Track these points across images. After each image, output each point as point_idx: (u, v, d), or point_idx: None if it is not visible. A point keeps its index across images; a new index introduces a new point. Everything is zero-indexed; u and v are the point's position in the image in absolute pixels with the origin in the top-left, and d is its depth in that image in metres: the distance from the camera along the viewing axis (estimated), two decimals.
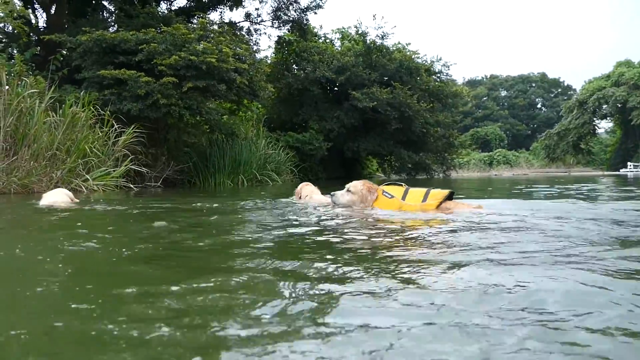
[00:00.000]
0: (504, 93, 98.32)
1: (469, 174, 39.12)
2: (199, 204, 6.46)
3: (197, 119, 13.74)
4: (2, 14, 9.60)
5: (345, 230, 3.24)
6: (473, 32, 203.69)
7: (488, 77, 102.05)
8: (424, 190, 4.30)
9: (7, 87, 9.82)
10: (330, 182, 18.21)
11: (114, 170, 10.70)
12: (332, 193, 4.81)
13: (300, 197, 6.29)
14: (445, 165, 26.64)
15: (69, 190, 6.55)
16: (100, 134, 11.25)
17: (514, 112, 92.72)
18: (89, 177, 9.90)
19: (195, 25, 14.12)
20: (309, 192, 6.26)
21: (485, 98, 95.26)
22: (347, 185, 4.71)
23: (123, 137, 11.61)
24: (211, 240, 2.99)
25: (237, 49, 14.52)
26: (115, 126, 11.47)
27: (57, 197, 5.82)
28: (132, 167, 11.36)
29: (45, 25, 18.03)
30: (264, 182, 15.29)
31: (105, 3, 20.96)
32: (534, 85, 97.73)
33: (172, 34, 13.17)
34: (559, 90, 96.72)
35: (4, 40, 15.72)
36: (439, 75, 26.00)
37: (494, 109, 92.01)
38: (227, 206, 6.04)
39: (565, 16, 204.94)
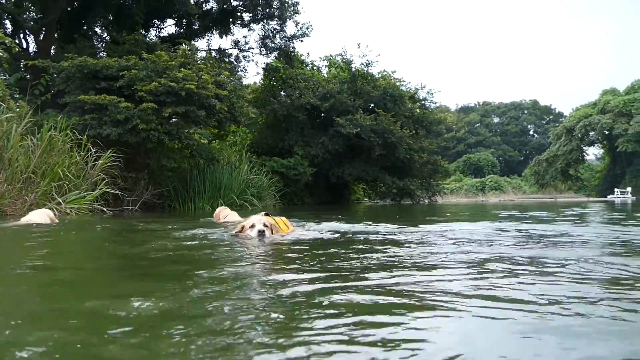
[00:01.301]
0: (496, 120, 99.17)
1: (457, 200, 39.36)
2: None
3: (176, 144, 13.94)
4: None
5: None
6: (466, 60, 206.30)
7: (481, 103, 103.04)
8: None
9: None
10: (316, 208, 18.37)
11: (88, 194, 10.84)
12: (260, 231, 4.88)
13: (219, 219, 7.81)
14: (430, 191, 26.85)
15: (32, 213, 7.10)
16: (78, 158, 11.44)
17: (507, 139, 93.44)
18: (61, 201, 10.04)
19: (177, 53, 14.37)
20: (227, 213, 7.93)
21: (477, 124, 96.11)
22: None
23: (100, 161, 11.80)
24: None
25: (219, 75, 14.83)
26: (92, 150, 11.65)
27: (37, 217, 6.74)
28: (107, 190, 11.49)
29: (35, 50, 18.41)
30: (243, 207, 15.44)
31: (97, 29, 21.45)
32: (525, 112, 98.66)
33: (154, 61, 13.48)
34: (551, 117, 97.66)
35: None
36: (423, 102, 26.42)
37: (486, 135, 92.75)
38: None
39: (557, 44, 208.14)
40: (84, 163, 11.58)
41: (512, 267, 2.80)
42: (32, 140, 10.62)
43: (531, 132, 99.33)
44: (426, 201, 26.53)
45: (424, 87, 26.22)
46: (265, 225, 4.85)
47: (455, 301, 1.87)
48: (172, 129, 13.29)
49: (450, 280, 2.36)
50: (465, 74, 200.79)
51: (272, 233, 4.93)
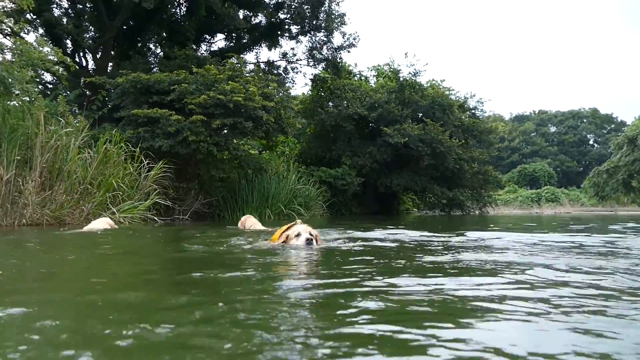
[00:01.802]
0: (553, 129, 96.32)
1: (510, 211, 38.29)
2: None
3: (225, 155, 14.27)
4: (43, 61, 10.38)
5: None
6: (520, 67, 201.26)
7: (536, 112, 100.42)
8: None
9: (51, 127, 10.64)
10: (363, 218, 18.36)
11: (141, 204, 11.25)
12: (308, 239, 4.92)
13: (244, 227, 8.42)
14: (481, 202, 26.28)
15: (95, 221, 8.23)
16: (131, 169, 11.91)
17: (564, 149, 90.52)
18: (115, 210, 10.47)
19: (225, 66, 14.78)
20: (252, 222, 8.59)
21: (533, 134, 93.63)
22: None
23: (152, 172, 12.24)
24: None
25: (267, 87, 15.12)
26: (145, 162, 12.10)
27: (100, 224, 7.90)
28: (158, 200, 11.88)
29: (93, 67, 19.30)
30: (290, 217, 15.61)
31: (151, 46, 22.30)
32: (585, 121, 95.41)
33: (203, 75, 13.91)
34: (612, 126, 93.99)
35: (51, 83, 16.94)
36: (473, 111, 25.99)
37: (542, 145, 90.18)
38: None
39: (619, 50, 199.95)
40: (137, 174, 12.04)
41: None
42: (89, 153, 11.15)
43: (591, 142, 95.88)
44: (477, 212, 25.99)
45: (474, 95, 25.94)
46: (310, 234, 4.90)
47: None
48: (220, 140, 13.63)
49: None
50: (519, 82, 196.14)
51: (317, 242, 4.97)
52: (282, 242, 4.99)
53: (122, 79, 13.78)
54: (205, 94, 13.34)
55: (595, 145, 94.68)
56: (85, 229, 7.70)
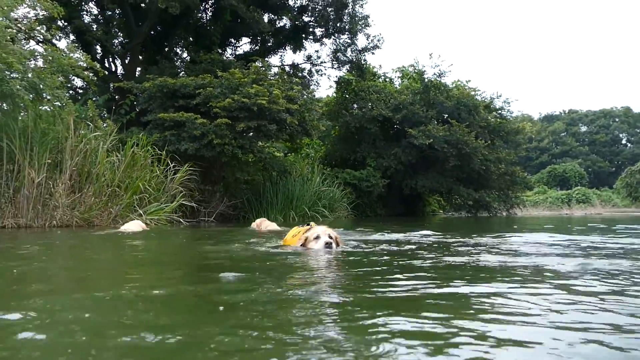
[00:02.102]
0: (584, 128, 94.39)
1: (538, 213, 37.68)
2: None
3: (249, 158, 14.43)
4: (73, 67, 10.68)
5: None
6: (549, 67, 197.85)
7: (566, 111, 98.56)
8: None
9: (81, 131, 10.95)
10: (389, 219, 18.33)
11: (166, 206, 11.47)
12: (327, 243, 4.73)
13: (260, 228, 8.92)
14: (508, 203, 25.95)
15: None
16: (158, 172, 12.15)
17: (595, 148, 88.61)
18: (142, 212, 10.70)
19: (250, 70, 14.96)
20: (268, 224, 9.12)
21: (563, 134, 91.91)
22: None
23: (178, 175, 12.47)
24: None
25: (291, 90, 15.24)
26: (171, 165, 12.33)
27: (133, 226, 8.55)
28: (183, 202, 12.08)
29: (122, 72, 19.72)
30: (314, 219, 15.69)
31: (178, 50, 22.68)
32: (617, 120, 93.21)
33: (228, 79, 14.10)
34: None
35: (82, 88, 17.39)
36: (499, 111, 25.69)
37: (572, 145, 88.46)
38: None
39: None
40: (164, 177, 12.28)
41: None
42: (117, 156, 11.42)
43: (623, 142, 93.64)
44: (504, 214, 25.68)
45: (500, 96, 25.56)
46: (330, 237, 4.71)
47: None
48: (245, 143, 13.79)
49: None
50: (549, 82, 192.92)
51: (337, 245, 4.77)
52: (301, 245, 4.80)
53: (149, 84, 14.06)
54: (229, 97, 13.52)
55: (628, 145, 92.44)
56: (121, 229, 8.44)
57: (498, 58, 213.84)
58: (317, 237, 4.72)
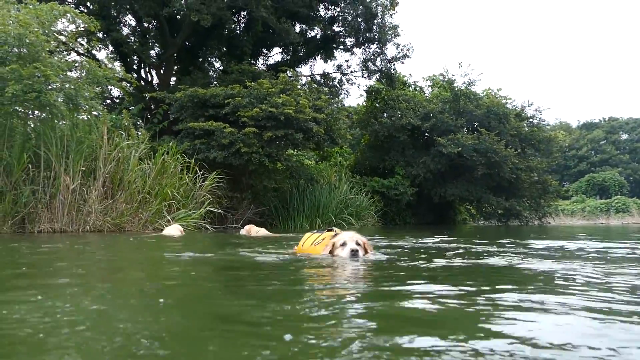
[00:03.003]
0: (624, 136, 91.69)
1: (573, 222, 36.92)
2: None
3: (276, 166, 14.73)
4: (108, 79, 11.22)
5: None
6: (588, 73, 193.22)
7: (606, 119, 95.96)
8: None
9: (115, 139, 11.46)
10: (418, 227, 18.34)
11: (194, 212, 11.86)
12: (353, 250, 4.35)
13: (250, 233, 9.43)
14: (540, 212, 25.60)
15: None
16: (187, 179, 12.57)
17: (637, 157, 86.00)
18: (170, 219, 11.10)
19: (278, 80, 15.31)
20: (258, 229, 9.66)
21: (602, 142, 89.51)
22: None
23: (206, 182, 12.87)
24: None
25: (318, 99, 15.51)
26: (199, 173, 12.74)
27: (172, 231, 9.33)
28: (210, 209, 12.46)
29: (157, 82, 20.38)
30: (340, 226, 15.88)
31: (213, 60, 23.28)
32: None
33: (256, 89, 14.47)
34: None
35: (118, 98, 18.09)
36: (531, 119, 25.40)
37: (612, 153, 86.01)
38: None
39: None
40: (192, 184, 12.69)
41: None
42: (148, 164, 11.87)
43: None
44: (536, 222, 25.33)
45: (532, 104, 25.27)
46: (357, 244, 4.36)
47: None
48: (272, 152, 14.12)
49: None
50: (588, 89, 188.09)
51: (365, 252, 4.42)
52: (329, 253, 4.43)
53: (180, 94, 14.55)
54: (257, 107, 13.88)
55: None
56: (164, 232, 9.47)
57: (536, 66, 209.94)
58: (344, 244, 4.36)
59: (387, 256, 4.67)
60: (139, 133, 13.84)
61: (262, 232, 9.71)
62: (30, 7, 10.20)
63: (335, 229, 4.91)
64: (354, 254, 4.25)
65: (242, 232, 10.03)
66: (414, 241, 7.61)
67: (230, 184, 14.51)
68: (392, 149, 23.40)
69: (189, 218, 11.62)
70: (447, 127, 22.11)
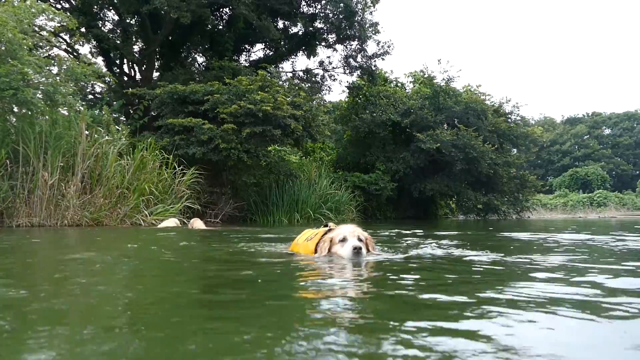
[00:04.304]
0: (607, 131, 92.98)
1: (552, 216, 37.52)
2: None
3: (254, 161, 14.96)
4: (86, 76, 11.39)
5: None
6: (572, 69, 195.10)
7: (590, 114, 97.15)
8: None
9: (95, 135, 11.66)
10: (396, 222, 18.68)
11: (172, 207, 12.11)
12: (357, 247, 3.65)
13: (192, 227, 10.20)
14: (518, 207, 26.11)
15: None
16: (166, 174, 12.81)
17: (619, 151, 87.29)
18: (147, 213, 11.34)
19: (256, 77, 15.54)
20: (199, 224, 10.48)
21: (586, 136, 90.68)
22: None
23: (185, 178, 13.11)
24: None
25: (297, 96, 15.77)
26: (177, 168, 12.99)
27: (171, 223, 10.46)
28: (187, 204, 12.72)
29: (139, 79, 20.51)
30: (318, 221, 16.19)
31: (197, 56, 23.45)
32: None
33: (235, 86, 14.71)
34: None
35: (100, 94, 18.24)
36: (509, 116, 25.88)
37: (595, 147, 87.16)
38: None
39: None
40: (171, 180, 12.92)
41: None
42: (126, 159, 12.08)
43: None
44: (514, 217, 25.83)
45: (509, 100, 25.72)
46: (359, 240, 3.73)
47: None
48: (250, 148, 14.37)
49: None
50: (572, 84, 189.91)
51: (368, 250, 3.83)
52: (327, 252, 3.76)
53: (159, 90, 14.74)
54: (236, 103, 14.12)
55: None
56: (160, 226, 10.47)
57: (521, 62, 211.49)
58: (344, 240, 3.69)
59: (393, 255, 4.02)
60: (119, 129, 14.04)
61: (202, 226, 10.56)
62: (8, 5, 10.36)
63: (331, 224, 4.17)
64: (356, 252, 3.55)
65: (189, 225, 10.78)
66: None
67: (210, 179, 14.76)
68: (373, 144, 23.76)
69: (166, 213, 11.86)
70: (427, 123, 22.49)
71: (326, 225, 4.17)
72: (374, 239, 4.24)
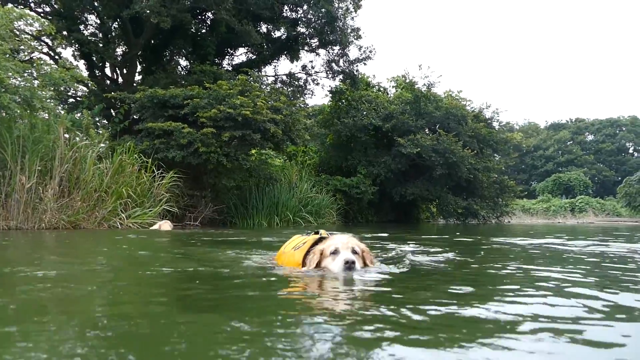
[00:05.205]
0: (590, 137, 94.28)
1: (532, 221, 38.07)
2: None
3: (235, 165, 15.06)
4: (65, 80, 11.47)
5: None
6: (556, 75, 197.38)
7: (573, 120, 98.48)
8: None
9: (75, 139, 11.74)
10: (381, 225, 18.90)
11: (150, 211, 12.21)
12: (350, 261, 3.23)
13: (161, 228, 10.92)
14: (497, 211, 26.49)
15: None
16: (145, 178, 12.90)
17: (601, 157, 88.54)
18: (124, 217, 11.44)
19: (236, 81, 15.69)
20: (168, 227, 11.23)
21: (569, 142, 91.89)
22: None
23: (164, 181, 13.22)
24: None
25: (274, 101, 15.93)
26: (156, 172, 13.10)
27: (165, 225, 11.36)
28: (166, 207, 12.83)
29: (121, 82, 20.57)
30: (297, 223, 16.36)
31: (180, 60, 23.53)
32: (624, 129, 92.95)
33: (215, 90, 14.85)
34: None
35: (81, 97, 18.27)
36: (489, 121, 26.27)
37: (578, 153, 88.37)
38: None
39: None
40: (150, 183, 13.02)
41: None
42: (105, 163, 12.17)
43: (630, 151, 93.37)
44: (493, 221, 26.20)
45: (489, 106, 26.20)
46: (354, 252, 3.33)
47: None
48: (230, 152, 14.50)
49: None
50: (556, 90, 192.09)
51: (364, 264, 3.41)
52: (316, 266, 3.33)
53: (139, 94, 14.84)
54: (216, 107, 14.26)
55: (635, 154, 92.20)
56: (152, 228, 11.31)
57: (505, 68, 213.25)
58: (335, 252, 3.29)
59: (391, 269, 3.52)
60: (99, 132, 14.10)
61: (168, 228, 11.38)
62: None
63: (322, 232, 3.77)
64: (348, 266, 3.15)
65: (155, 226, 11.48)
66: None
67: (190, 182, 14.88)
68: (355, 148, 24.02)
69: (144, 216, 11.96)
70: (408, 127, 22.79)
71: (317, 233, 3.76)
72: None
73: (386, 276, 3.16)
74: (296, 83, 24.80)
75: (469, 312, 2.11)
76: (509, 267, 3.90)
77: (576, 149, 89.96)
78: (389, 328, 1.78)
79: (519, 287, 2.84)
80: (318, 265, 3.30)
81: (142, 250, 5.80)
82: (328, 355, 1.43)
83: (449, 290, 2.72)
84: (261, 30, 22.56)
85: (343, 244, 3.31)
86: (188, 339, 1.62)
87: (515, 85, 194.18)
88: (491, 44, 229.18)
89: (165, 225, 11.44)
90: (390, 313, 2.03)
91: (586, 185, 75.83)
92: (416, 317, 2.00)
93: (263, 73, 23.53)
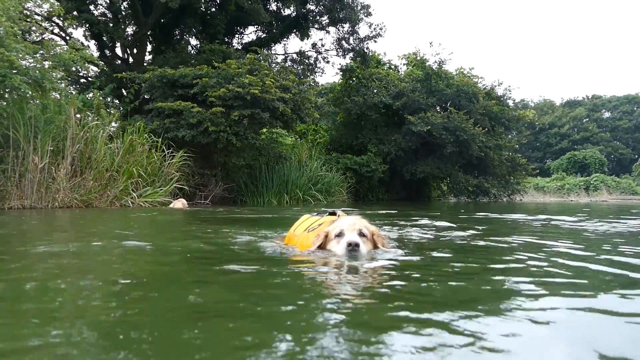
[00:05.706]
0: (607, 114, 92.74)
1: (544, 199, 37.81)
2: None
3: (244, 144, 15.17)
4: (74, 62, 11.59)
5: None
6: (573, 51, 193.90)
7: (589, 97, 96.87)
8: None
9: (87, 119, 11.91)
10: (392, 203, 18.97)
11: (160, 189, 12.40)
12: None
13: (175, 206, 11.22)
14: (508, 189, 26.40)
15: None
16: (155, 157, 13.07)
17: (618, 135, 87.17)
18: (136, 196, 11.64)
19: (247, 59, 15.71)
20: (180, 205, 11.45)
21: (585, 119, 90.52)
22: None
23: (174, 160, 13.39)
24: None
25: (283, 80, 15.95)
26: (166, 151, 13.26)
27: (179, 204, 11.82)
28: (176, 186, 13.01)
29: (132, 62, 20.67)
30: (306, 201, 16.49)
31: (190, 39, 23.54)
32: None
33: (224, 69, 14.90)
34: None
35: (92, 77, 18.41)
36: (502, 99, 26.03)
37: (594, 131, 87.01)
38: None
39: None
40: (160, 162, 13.19)
41: None
42: (116, 143, 12.35)
43: None
44: (504, 199, 26.13)
45: (501, 83, 25.89)
46: (361, 234, 3.08)
47: None
48: (239, 130, 14.61)
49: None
50: (572, 67, 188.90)
51: (373, 246, 3.15)
52: (319, 247, 3.12)
53: (148, 74, 14.94)
54: (224, 87, 14.33)
55: None
56: (170, 206, 11.72)
57: (520, 44, 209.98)
58: (340, 234, 3.06)
59: (405, 254, 3.11)
60: (110, 112, 14.26)
61: (180, 205, 11.84)
62: None
63: (339, 212, 3.56)
64: (352, 249, 2.90)
65: (171, 205, 11.88)
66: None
67: (200, 161, 15.04)
68: (365, 126, 24.00)
69: (155, 195, 12.15)
70: (418, 105, 22.69)
71: (333, 213, 3.55)
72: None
73: (395, 260, 2.80)
74: (306, 61, 24.74)
75: (483, 287, 2.14)
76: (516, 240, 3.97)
77: (592, 126, 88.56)
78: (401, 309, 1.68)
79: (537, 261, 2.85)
80: (322, 247, 3.09)
81: (156, 228, 5.93)
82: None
83: (462, 269, 2.64)
84: (270, 9, 22.48)
85: (349, 225, 3.08)
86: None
87: (531, 62, 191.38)
88: (505, 19, 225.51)
89: (178, 203, 11.85)
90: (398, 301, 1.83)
91: (602, 163, 74.83)
92: (429, 297, 1.91)
93: (273, 51, 23.48)
